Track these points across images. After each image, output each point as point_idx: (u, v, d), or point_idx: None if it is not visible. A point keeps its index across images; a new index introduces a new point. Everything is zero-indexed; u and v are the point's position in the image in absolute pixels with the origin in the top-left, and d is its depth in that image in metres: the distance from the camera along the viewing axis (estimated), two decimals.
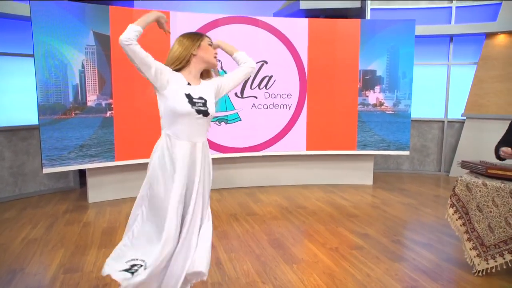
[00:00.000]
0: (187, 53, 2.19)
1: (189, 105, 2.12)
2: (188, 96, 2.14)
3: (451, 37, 6.55)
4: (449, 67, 6.65)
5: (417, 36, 6.14)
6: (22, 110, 5.10)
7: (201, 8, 6.52)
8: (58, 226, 4.13)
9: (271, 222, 4.31)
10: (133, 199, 5.15)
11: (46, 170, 4.42)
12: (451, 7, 6.40)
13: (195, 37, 2.24)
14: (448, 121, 6.72)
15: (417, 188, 5.85)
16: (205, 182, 2.28)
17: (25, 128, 5.16)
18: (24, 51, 5.06)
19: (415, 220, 4.40)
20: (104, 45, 4.57)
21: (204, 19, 5.09)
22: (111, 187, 5.07)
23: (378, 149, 5.67)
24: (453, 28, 6.36)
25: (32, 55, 4.29)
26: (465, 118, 6.50)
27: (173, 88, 2.14)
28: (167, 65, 2.18)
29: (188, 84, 2.19)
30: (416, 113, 6.67)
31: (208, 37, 2.30)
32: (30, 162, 5.24)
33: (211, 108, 2.21)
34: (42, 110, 4.32)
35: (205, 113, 2.17)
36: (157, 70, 2.11)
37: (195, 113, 2.13)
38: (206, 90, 2.24)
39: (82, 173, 5.46)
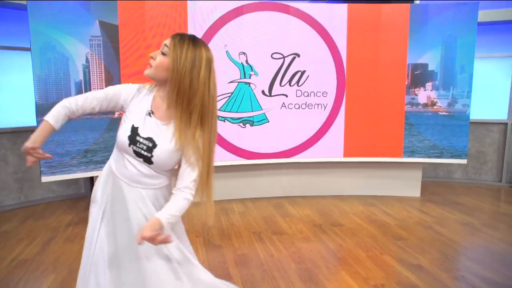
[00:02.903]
0: None
1: (127, 141, 1.65)
2: (133, 129, 1.67)
3: None
4: None
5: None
6: (26, 110, 4.62)
7: None
8: (56, 243, 3.60)
9: (301, 244, 3.61)
10: None
11: (45, 179, 3.90)
12: None
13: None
14: None
15: (475, 202, 4.99)
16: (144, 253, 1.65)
17: (30, 130, 4.65)
18: (22, 44, 4.58)
19: (480, 247, 3.58)
20: (112, 36, 4.01)
21: (225, 7, 4.43)
22: None
23: (429, 157, 4.84)
24: None
25: (29, 49, 3.77)
26: None
27: None
28: None
29: (150, 113, 1.69)
30: (472, 113, 5.78)
31: (166, 45, 1.62)
32: (37, 167, 4.76)
33: (159, 157, 1.63)
34: (40, 110, 3.80)
35: (146, 159, 1.64)
36: None
37: (132, 153, 1.65)
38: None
39: (95, 179, 4.94)
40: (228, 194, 4.96)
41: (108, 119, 4.09)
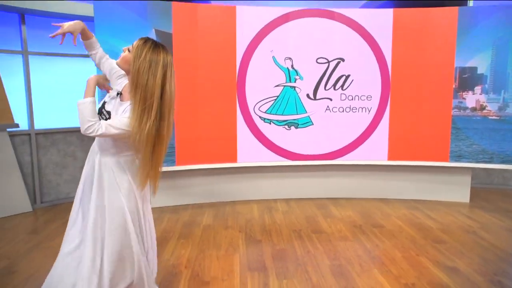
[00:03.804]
0: None
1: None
2: (103, 104, 2.18)
3: None
4: None
5: None
6: None
7: (283, 3, 6.09)
8: None
9: (338, 243, 3.72)
10: (195, 206, 4.91)
11: None
12: None
13: None
14: None
15: None
16: (94, 203, 2.11)
17: None
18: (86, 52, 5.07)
19: None
20: (166, 43, 4.36)
21: (272, 14, 4.65)
22: (172, 193, 4.87)
23: (477, 162, 4.73)
24: None
25: None
26: None
27: None
28: None
29: (119, 93, 2.17)
30: None
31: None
32: None
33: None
34: None
35: None
36: None
37: None
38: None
39: None
40: (273, 194, 5.16)
41: None
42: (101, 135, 1.96)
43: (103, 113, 2.10)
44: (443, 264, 3.24)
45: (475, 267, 3.19)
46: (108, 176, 2.08)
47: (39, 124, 4.84)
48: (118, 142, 2.07)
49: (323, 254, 3.45)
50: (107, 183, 2.08)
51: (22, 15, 4.60)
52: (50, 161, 4.97)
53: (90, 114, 1.96)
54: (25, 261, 3.30)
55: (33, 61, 4.74)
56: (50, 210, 4.73)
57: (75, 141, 5.11)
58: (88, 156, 2.21)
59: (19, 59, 4.68)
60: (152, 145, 1.99)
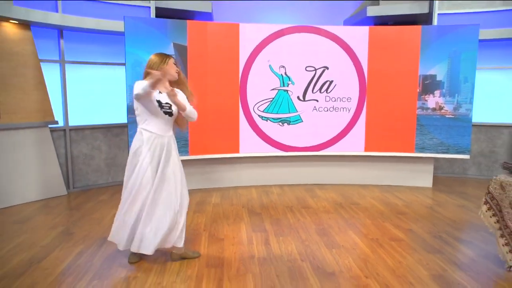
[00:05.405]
0: (157, 68, 3.10)
1: (159, 108, 3.11)
2: (159, 102, 3.11)
3: None
4: None
5: (487, 40, 6.13)
6: (118, 110, 6.04)
7: (277, 19, 7.08)
8: None
9: (322, 214, 4.69)
10: (203, 190, 5.82)
11: None
12: None
13: (163, 56, 3.18)
14: None
15: (479, 192, 5.81)
16: (168, 167, 3.22)
17: (118, 126, 6.10)
18: (115, 61, 6.01)
19: (465, 221, 4.50)
20: (182, 54, 5.31)
21: (270, 29, 5.63)
22: (187, 179, 5.77)
23: (437, 152, 5.75)
24: None
25: (124, 64, 5.14)
26: None
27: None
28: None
29: (160, 92, 3.14)
30: (485, 117, 6.59)
31: (173, 58, 3.22)
32: (121, 154, 6.17)
33: (175, 110, 3.20)
34: (130, 110, 5.14)
35: (170, 114, 3.18)
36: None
37: (163, 114, 3.14)
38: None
39: None
40: (269, 180, 6.12)
41: None
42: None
43: (164, 106, 3.13)
44: (401, 227, 4.23)
45: (425, 228, 4.18)
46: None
47: (72, 121, 5.74)
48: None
49: (310, 222, 4.41)
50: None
51: (61, 30, 5.51)
52: (80, 153, 5.87)
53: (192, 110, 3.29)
54: (77, 227, 4.21)
55: (69, 68, 5.66)
56: (82, 194, 5.62)
57: (100, 136, 6.01)
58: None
59: (57, 67, 5.59)
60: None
